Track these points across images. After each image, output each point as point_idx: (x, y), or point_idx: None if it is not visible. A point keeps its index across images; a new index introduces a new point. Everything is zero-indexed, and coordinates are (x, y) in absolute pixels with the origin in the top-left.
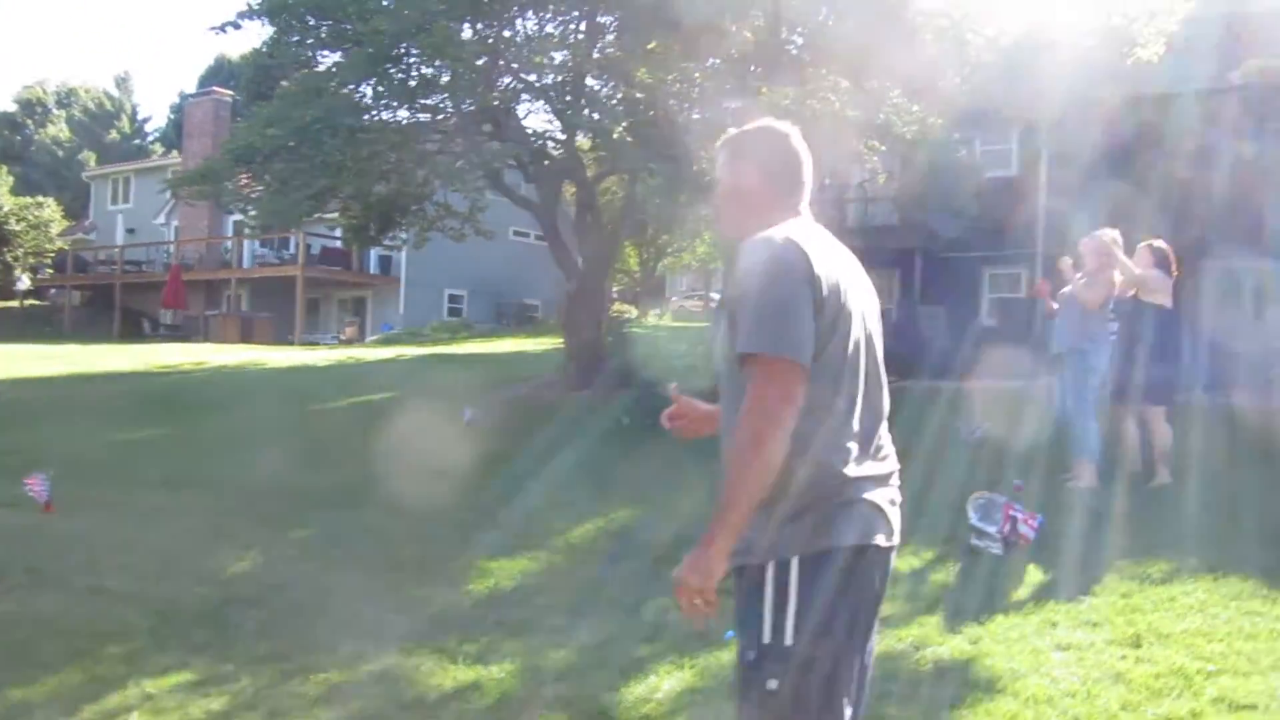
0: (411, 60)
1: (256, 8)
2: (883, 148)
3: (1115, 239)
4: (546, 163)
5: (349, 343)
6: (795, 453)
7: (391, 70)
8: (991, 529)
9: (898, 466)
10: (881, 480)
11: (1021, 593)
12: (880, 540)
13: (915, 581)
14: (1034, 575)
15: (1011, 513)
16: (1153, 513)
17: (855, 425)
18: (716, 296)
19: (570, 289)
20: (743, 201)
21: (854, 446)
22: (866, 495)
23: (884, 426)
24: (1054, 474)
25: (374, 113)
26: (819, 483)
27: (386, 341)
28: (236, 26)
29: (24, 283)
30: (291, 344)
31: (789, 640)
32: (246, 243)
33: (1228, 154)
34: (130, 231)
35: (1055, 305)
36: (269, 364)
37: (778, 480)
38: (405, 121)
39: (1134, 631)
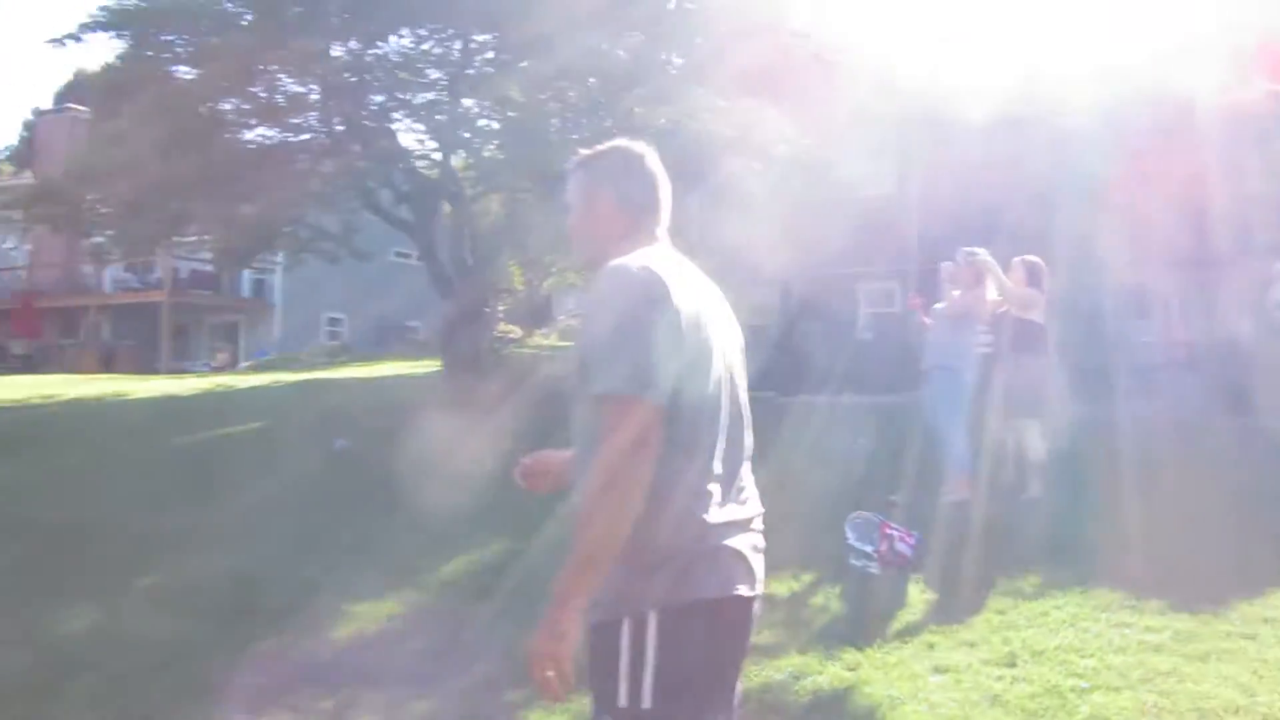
0: (275, 77)
1: (101, 19)
2: (758, 167)
3: (986, 257)
4: (418, 183)
5: (220, 370)
6: (652, 500)
7: (253, 90)
8: (869, 548)
9: (761, 510)
10: (744, 525)
11: (900, 614)
12: (743, 590)
13: (794, 606)
14: (912, 595)
15: (888, 531)
16: (1025, 526)
17: (717, 467)
18: None
19: (447, 311)
20: (595, 227)
21: (715, 490)
22: (728, 542)
23: (747, 467)
24: (930, 489)
25: (236, 131)
26: (678, 531)
27: (261, 368)
28: (77, 39)
29: None
30: (158, 373)
31: (647, 703)
32: (108, 267)
33: (1090, 172)
34: None
35: (928, 320)
36: (132, 394)
37: (633, 530)
38: (272, 141)
39: (1009, 650)
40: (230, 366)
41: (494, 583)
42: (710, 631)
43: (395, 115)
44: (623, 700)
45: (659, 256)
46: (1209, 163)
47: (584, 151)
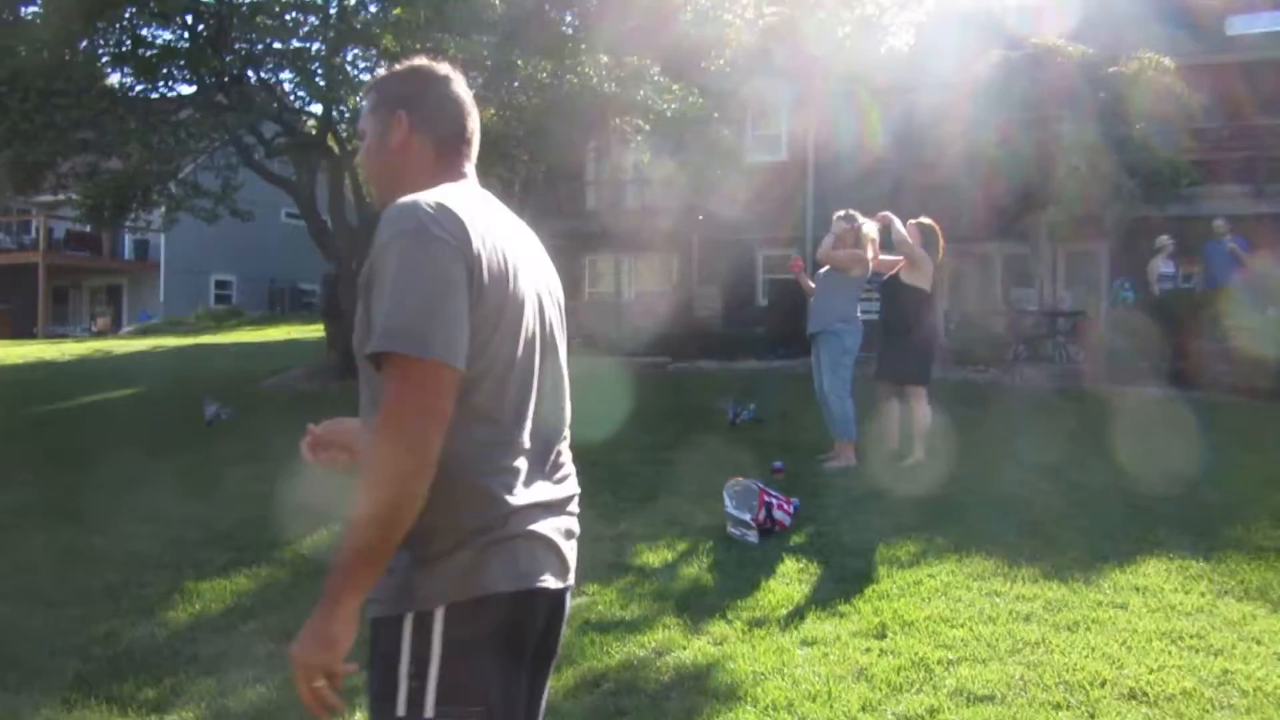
0: (130, 19)
1: None
2: (646, 126)
3: (868, 221)
4: (295, 137)
5: (101, 335)
6: (442, 478)
7: (102, 26)
8: (747, 516)
9: (577, 490)
10: (555, 508)
11: (773, 583)
12: (549, 581)
13: (665, 578)
14: (787, 564)
15: (767, 499)
16: (907, 492)
17: (524, 440)
18: None
19: (329, 271)
20: (389, 159)
21: (521, 466)
22: (534, 527)
23: (564, 441)
24: (815, 454)
25: (92, 77)
26: (474, 514)
27: (144, 332)
28: None
29: None
30: (35, 338)
31: (429, 712)
32: None
33: (979, 139)
34: None
35: (812, 284)
36: (3, 361)
37: (419, 514)
38: (135, 90)
39: (880, 620)
40: (112, 331)
41: None
42: (510, 628)
43: (266, 63)
44: (401, 709)
45: (460, 195)
46: (1096, 129)
47: (380, 72)
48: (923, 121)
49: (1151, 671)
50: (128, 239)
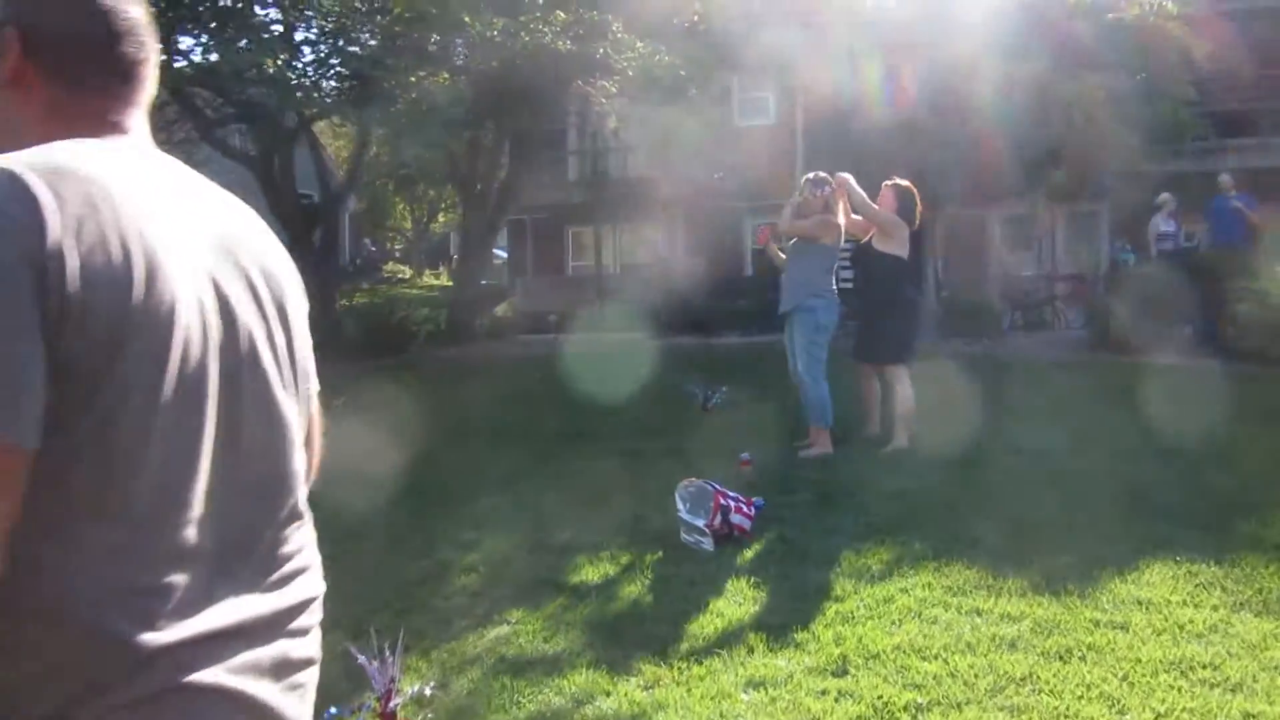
0: None
1: None
2: (613, 89)
3: (845, 180)
4: (242, 110)
5: None
6: (29, 610)
7: None
8: (700, 522)
9: (314, 592)
10: (252, 634)
11: (721, 605)
12: None
13: (602, 599)
14: (741, 580)
15: (723, 502)
16: (885, 485)
17: (183, 537)
18: (500, 253)
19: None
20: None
21: (176, 581)
22: (199, 676)
23: (287, 520)
24: (791, 442)
25: None
26: (86, 664)
27: None
28: None
29: None
30: None
31: None
32: None
33: (973, 95)
34: None
35: (783, 255)
36: None
37: None
38: None
39: (840, 652)
40: None
41: None
42: None
43: (186, 26)
44: None
45: (70, 155)
46: (1089, 88)
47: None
48: (915, 79)
49: (1158, 716)
50: None
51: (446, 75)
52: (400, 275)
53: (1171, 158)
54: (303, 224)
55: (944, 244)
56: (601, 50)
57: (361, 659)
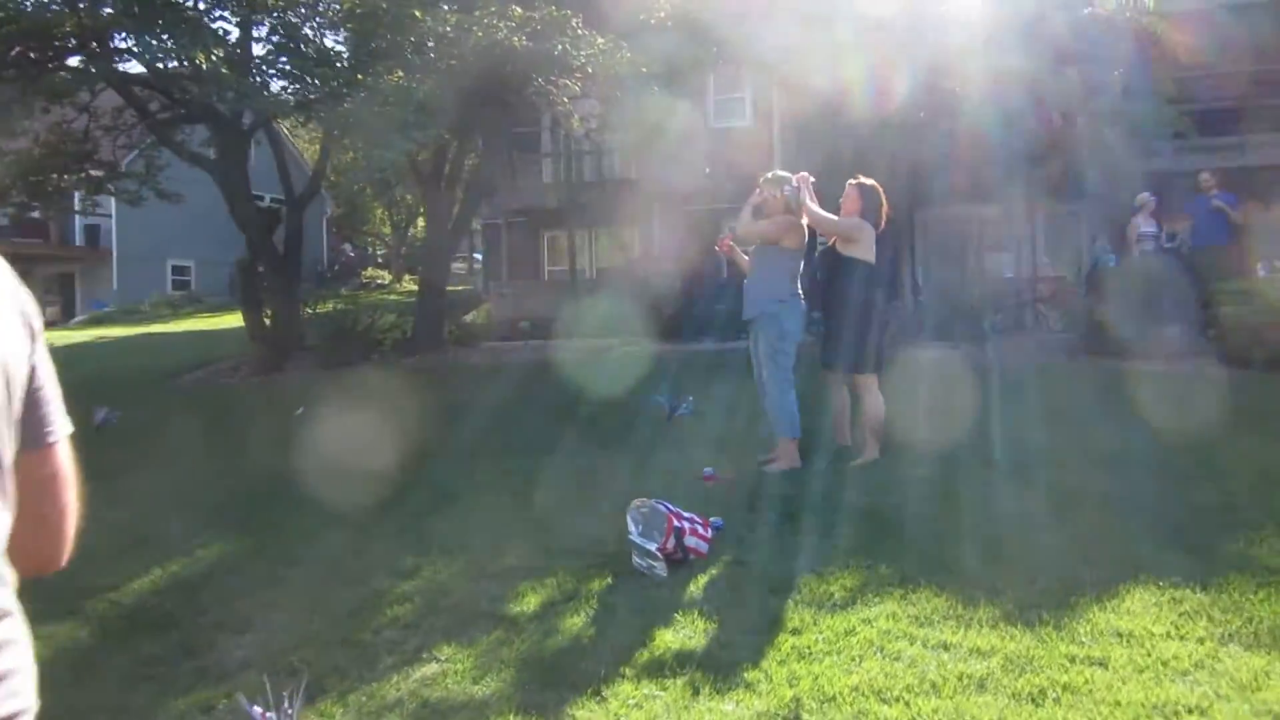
0: None
1: None
2: (576, 88)
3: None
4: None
5: (51, 325)
6: None
7: None
8: (652, 545)
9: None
10: None
11: (669, 638)
12: None
13: (541, 632)
14: (692, 611)
15: (676, 524)
16: (853, 502)
17: None
18: (479, 257)
19: (243, 258)
20: None
21: None
22: None
23: None
24: (757, 456)
25: None
26: None
27: (96, 322)
28: None
29: None
30: None
31: None
32: None
33: (952, 99)
34: None
35: (746, 257)
36: None
37: None
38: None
39: (794, 694)
40: (61, 321)
41: (160, 612)
42: None
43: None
44: None
45: None
46: (1067, 84)
47: None
48: (894, 76)
49: None
50: (78, 224)
51: (400, 74)
52: (380, 280)
53: (1152, 156)
54: (261, 228)
55: (924, 245)
56: (560, 47)
57: (254, 709)
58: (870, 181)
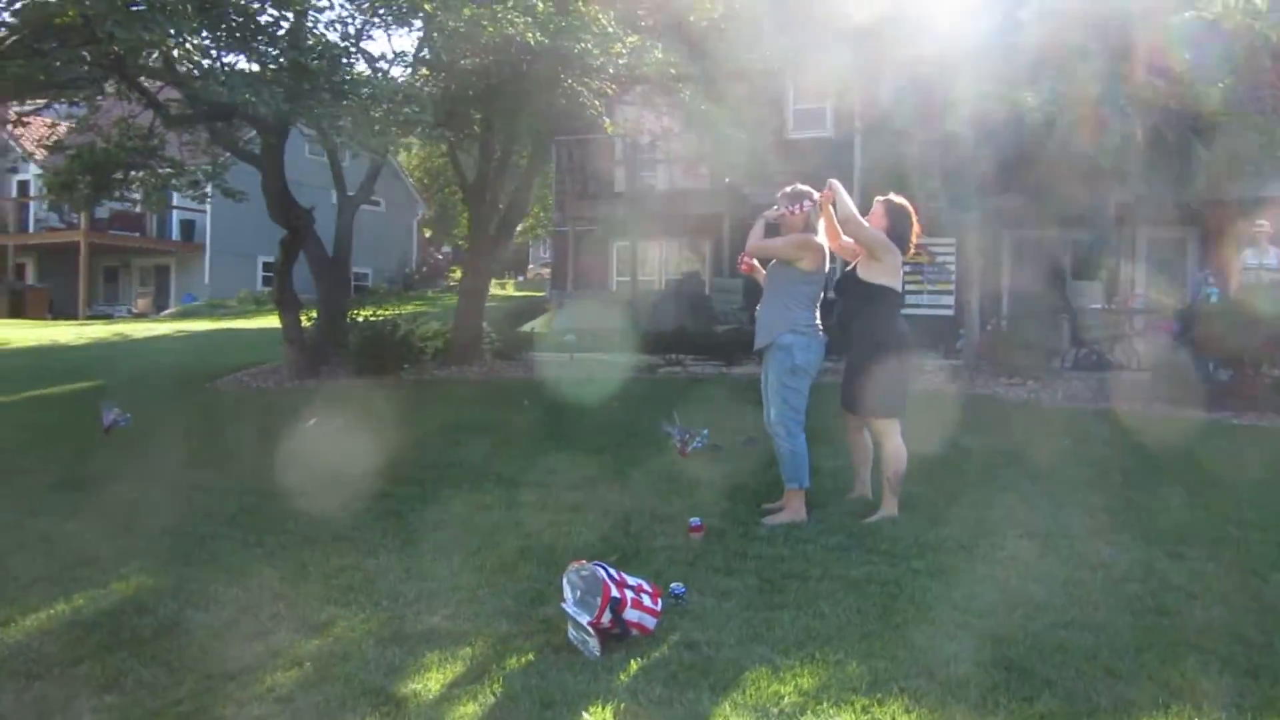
0: None
1: None
2: (612, 89)
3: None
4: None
5: (142, 316)
6: None
7: None
8: (585, 619)
9: None
10: None
11: None
12: None
13: None
14: (605, 709)
15: (614, 594)
16: (850, 570)
17: None
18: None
19: (280, 260)
20: None
21: None
22: None
23: None
24: (763, 502)
25: None
26: None
27: (184, 314)
28: None
29: None
30: (76, 318)
31: None
32: (32, 205)
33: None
34: None
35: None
36: (12, 343)
37: None
38: None
39: None
40: (153, 312)
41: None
42: None
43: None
44: None
45: None
46: (1160, 95)
47: None
48: (979, 89)
49: None
50: (174, 219)
51: (402, 69)
52: (452, 284)
53: (1267, 179)
54: (297, 228)
55: (1009, 270)
56: (580, 46)
57: None
58: (901, 200)
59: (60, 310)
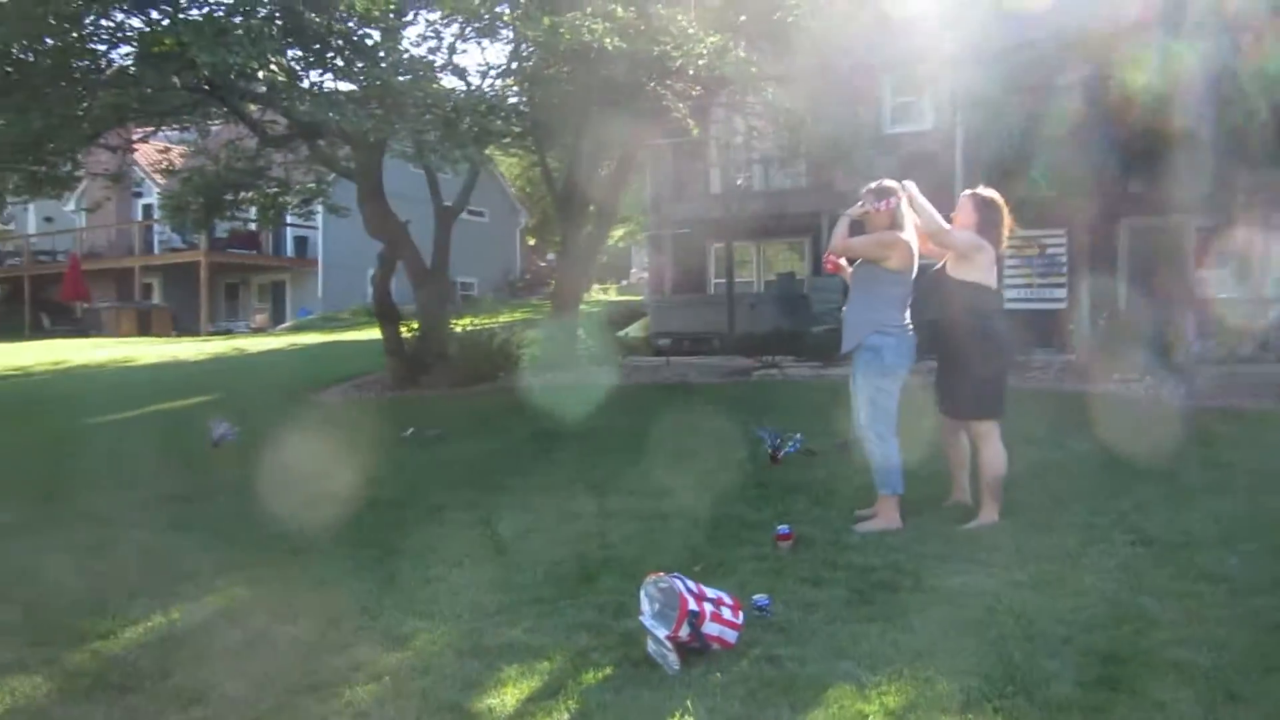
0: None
1: None
2: (695, 91)
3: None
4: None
5: (259, 330)
6: None
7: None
8: (662, 633)
9: None
10: None
11: None
12: None
13: None
14: None
15: (692, 607)
16: (946, 580)
17: None
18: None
19: (379, 272)
20: None
21: None
22: None
23: None
24: (856, 509)
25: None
26: None
27: (299, 328)
28: None
29: None
30: (198, 334)
31: None
32: (156, 227)
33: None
34: (48, 220)
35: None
36: (138, 360)
37: None
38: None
39: None
40: (270, 326)
41: (143, 664)
42: None
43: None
44: None
45: None
46: None
47: None
48: (1089, 79)
49: None
50: (289, 236)
51: (492, 80)
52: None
53: None
54: (393, 241)
55: (1127, 259)
56: (658, 49)
57: None
58: (990, 193)
59: (184, 327)
